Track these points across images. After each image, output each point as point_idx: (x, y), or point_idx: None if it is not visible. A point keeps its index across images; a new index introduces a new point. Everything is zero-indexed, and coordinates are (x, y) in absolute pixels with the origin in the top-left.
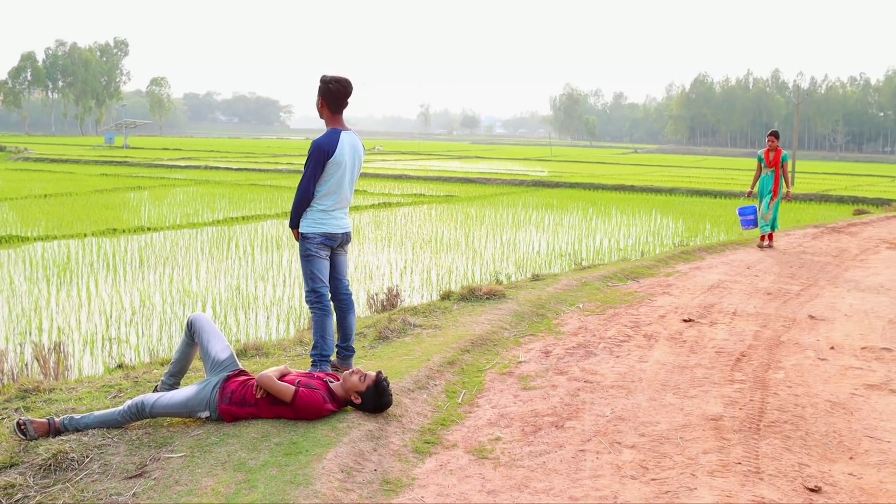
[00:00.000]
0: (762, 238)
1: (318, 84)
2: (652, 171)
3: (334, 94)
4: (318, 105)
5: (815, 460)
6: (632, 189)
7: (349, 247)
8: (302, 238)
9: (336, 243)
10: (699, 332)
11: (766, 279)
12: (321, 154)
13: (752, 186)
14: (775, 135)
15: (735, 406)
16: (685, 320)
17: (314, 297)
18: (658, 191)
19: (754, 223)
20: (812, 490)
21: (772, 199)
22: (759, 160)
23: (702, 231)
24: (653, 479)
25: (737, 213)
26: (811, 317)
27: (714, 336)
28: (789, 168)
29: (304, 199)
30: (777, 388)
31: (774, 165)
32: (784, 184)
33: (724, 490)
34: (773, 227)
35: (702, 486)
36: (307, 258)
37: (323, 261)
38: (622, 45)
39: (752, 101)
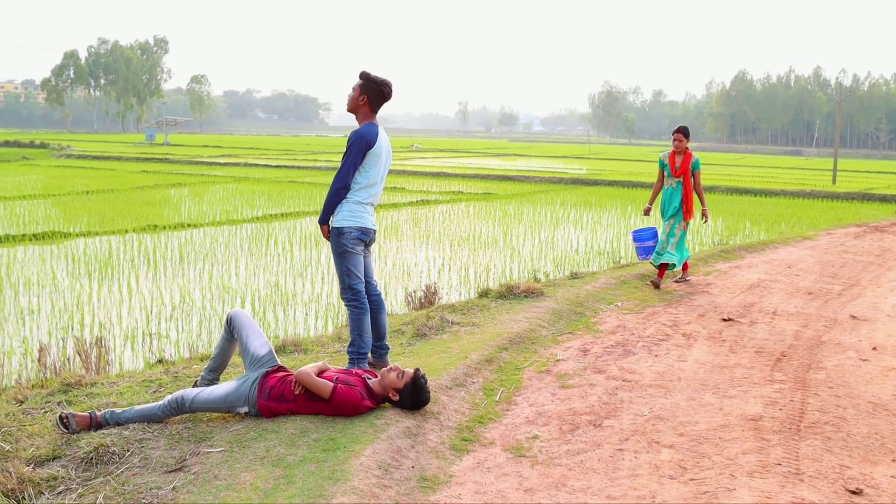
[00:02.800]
0: (660, 271)
1: (362, 81)
2: None
3: (382, 94)
4: (356, 100)
5: (856, 462)
6: None
7: (374, 247)
8: (336, 233)
9: (369, 239)
10: (739, 331)
11: (808, 278)
12: (363, 143)
13: (651, 201)
14: (683, 132)
15: (775, 406)
16: (725, 319)
17: (351, 295)
18: None
19: (651, 251)
20: (853, 492)
21: (678, 221)
22: (662, 166)
23: (742, 230)
24: (691, 480)
25: (631, 237)
26: (853, 317)
27: (754, 335)
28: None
29: (341, 189)
30: (818, 389)
31: (682, 174)
32: (700, 201)
33: (764, 491)
34: (680, 259)
35: (741, 487)
36: (342, 254)
37: (358, 256)
38: (662, 43)
39: (794, 99)
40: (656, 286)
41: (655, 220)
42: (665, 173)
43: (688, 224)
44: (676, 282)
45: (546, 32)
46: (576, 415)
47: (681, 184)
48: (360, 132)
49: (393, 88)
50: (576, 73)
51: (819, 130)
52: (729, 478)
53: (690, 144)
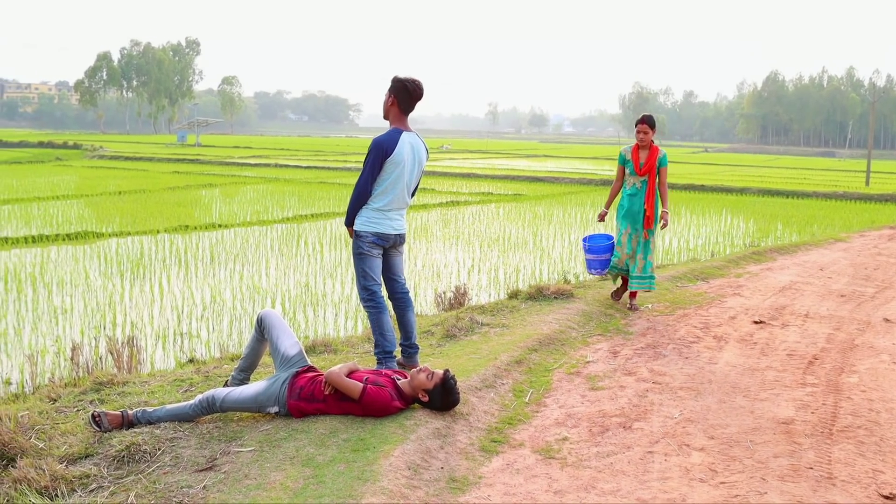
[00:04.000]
0: (632, 295)
1: (392, 83)
2: (722, 171)
3: (410, 95)
4: (387, 103)
5: (889, 467)
6: (702, 188)
7: (406, 245)
8: (355, 236)
9: (389, 244)
10: (770, 334)
11: (840, 281)
12: (380, 152)
13: (608, 203)
14: (648, 122)
15: (807, 410)
16: (756, 322)
17: (366, 295)
18: (729, 190)
19: (607, 265)
20: (887, 497)
21: (644, 231)
22: (623, 162)
23: (773, 231)
24: (722, 483)
25: (581, 244)
26: (886, 320)
27: (785, 338)
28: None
29: (360, 196)
30: (850, 393)
31: (648, 171)
32: (661, 202)
33: (796, 495)
34: (648, 281)
35: (772, 491)
36: (359, 256)
37: (375, 259)
38: (693, 43)
39: (826, 100)
40: (623, 303)
41: (613, 228)
42: (627, 171)
43: (651, 232)
44: (616, 298)
45: (576, 33)
46: (606, 417)
47: (645, 184)
48: (379, 140)
49: (422, 87)
50: (606, 73)
51: (852, 131)
52: (760, 481)
53: (720, 145)
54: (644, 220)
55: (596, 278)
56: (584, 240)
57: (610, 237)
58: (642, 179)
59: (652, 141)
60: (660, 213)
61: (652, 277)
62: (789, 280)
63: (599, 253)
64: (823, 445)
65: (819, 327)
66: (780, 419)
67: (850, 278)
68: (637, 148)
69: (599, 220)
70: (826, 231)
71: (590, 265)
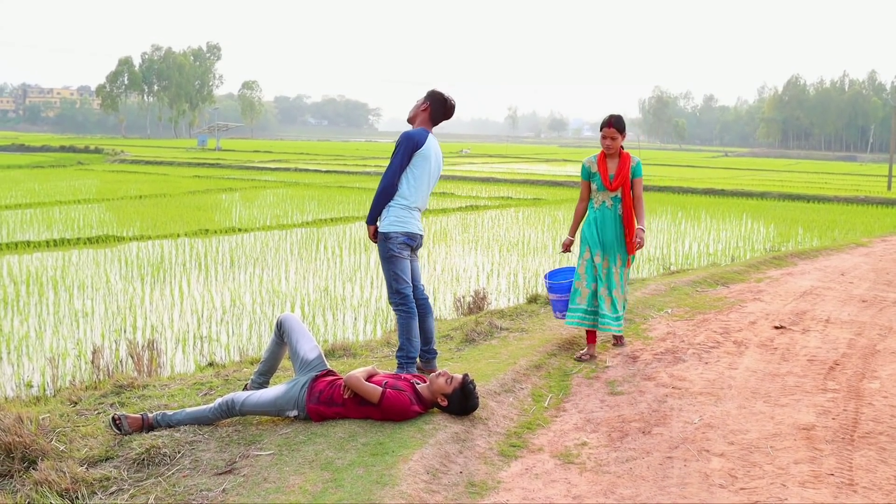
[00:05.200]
0: (590, 336)
1: (430, 93)
2: (743, 175)
3: (444, 109)
4: (419, 107)
5: None
6: (722, 193)
7: (424, 249)
8: (383, 238)
9: (415, 244)
10: (791, 339)
11: (862, 286)
12: (411, 143)
13: (573, 230)
14: (616, 124)
15: (828, 416)
16: (776, 327)
17: (399, 299)
18: (749, 195)
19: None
20: None
21: (621, 259)
22: (588, 177)
23: (794, 236)
24: (742, 489)
25: (544, 281)
26: None
27: (806, 344)
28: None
29: (388, 188)
30: (872, 399)
31: (620, 185)
32: (636, 219)
33: (816, 502)
34: (620, 322)
35: (792, 497)
36: (389, 259)
37: (405, 261)
38: (713, 47)
39: (848, 104)
40: (587, 357)
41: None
42: (594, 186)
43: (632, 259)
44: (581, 358)
45: (596, 37)
46: (625, 422)
47: (619, 200)
48: (409, 133)
49: (455, 108)
50: (626, 77)
51: (874, 136)
52: (780, 487)
53: (740, 149)
54: (624, 246)
55: None
56: (547, 276)
57: (573, 274)
58: (614, 196)
59: (622, 148)
60: (637, 233)
61: (621, 317)
62: (810, 285)
63: (565, 292)
64: (844, 452)
65: (840, 332)
66: (800, 425)
67: (872, 283)
68: (603, 157)
69: (563, 251)
70: (847, 236)
71: (555, 307)
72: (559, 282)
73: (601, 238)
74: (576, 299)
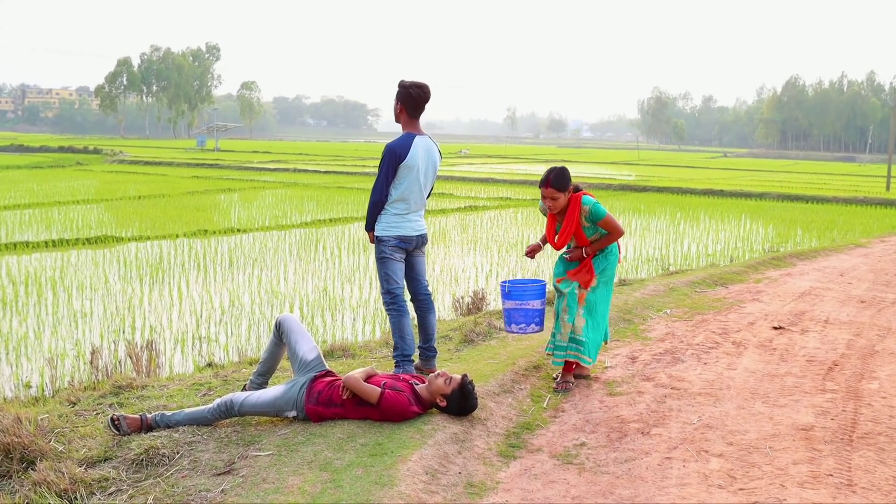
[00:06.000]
0: (580, 369)
1: (398, 89)
2: (741, 176)
3: (414, 99)
4: (396, 109)
5: None
6: (721, 194)
7: (427, 248)
8: (377, 241)
9: (411, 246)
10: (790, 339)
11: (860, 287)
12: (393, 157)
13: (545, 239)
14: (555, 183)
15: (827, 416)
16: (775, 328)
17: (389, 299)
18: (748, 195)
19: (535, 318)
20: None
21: (585, 285)
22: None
23: (793, 237)
24: (741, 489)
25: (500, 289)
26: None
27: (805, 344)
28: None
29: (377, 202)
30: (871, 399)
31: (568, 238)
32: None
33: (815, 502)
34: (596, 346)
35: (791, 497)
36: (382, 260)
37: (398, 263)
38: (712, 48)
39: (847, 104)
40: (561, 386)
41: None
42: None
43: (595, 289)
44: (558, 386)
45: (595, 38)
46: (624, 422)
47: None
48: (391, 146)
49: (427, 90)
50: (625, 78)
51: (872, 136)
52: (779, 488)
53: (739, 150)
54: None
55: (614, 283)
56: (504, 283)
57: (542, 285)
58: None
59: (571, 197)
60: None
61: (588, 345)
62: (809, 286)
63: (525, 299)
64: (843, 452)
65: (839, 333)
66: (799, 425)
67: (871, 284)
68: (551, 216)
69: (527, 255)
70: (846, 236)
71: (508, 317)
72: (518, 285)
73: (566, 266)
74: (554, 327)
